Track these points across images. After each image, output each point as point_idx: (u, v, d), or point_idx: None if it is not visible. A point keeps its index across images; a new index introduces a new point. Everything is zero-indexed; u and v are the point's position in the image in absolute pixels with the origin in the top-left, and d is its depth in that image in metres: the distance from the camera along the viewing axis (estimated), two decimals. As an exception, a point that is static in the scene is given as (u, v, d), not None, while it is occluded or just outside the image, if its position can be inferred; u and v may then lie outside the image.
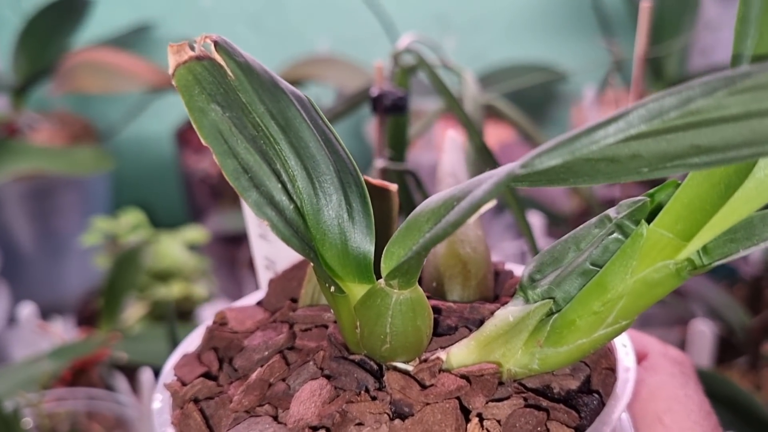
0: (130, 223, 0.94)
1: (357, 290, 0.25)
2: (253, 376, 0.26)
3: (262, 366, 0.26)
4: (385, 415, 0.24)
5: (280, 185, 0.24)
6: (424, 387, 0.24)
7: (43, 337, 0.79)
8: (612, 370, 0.26)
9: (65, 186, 1.08)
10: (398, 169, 0.50)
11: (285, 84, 0.25)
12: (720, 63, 1.15)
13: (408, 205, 0.52)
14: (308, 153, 0.24)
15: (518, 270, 0.32)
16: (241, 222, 0.51)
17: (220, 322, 0.30)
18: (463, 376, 0.24)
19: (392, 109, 0.48)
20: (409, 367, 0.25)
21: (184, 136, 1.15)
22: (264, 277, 0.37)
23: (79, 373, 0.73)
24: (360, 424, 0.24)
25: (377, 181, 0.29)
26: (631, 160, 0.18)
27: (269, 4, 1.23)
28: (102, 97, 1.19)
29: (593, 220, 0.25)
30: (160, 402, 0.28)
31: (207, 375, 0.28)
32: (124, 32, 1.19)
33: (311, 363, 0.26)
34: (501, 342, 0.25)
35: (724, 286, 0.94)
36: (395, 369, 0.25)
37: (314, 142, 0.25)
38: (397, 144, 0.53)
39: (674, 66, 1.16)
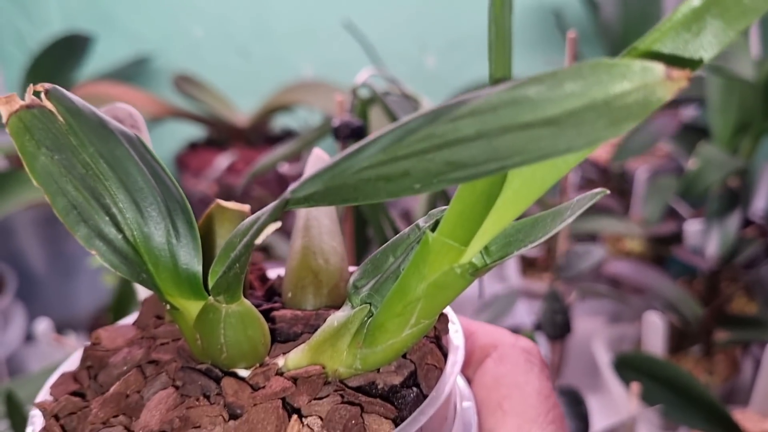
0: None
1: (193, 306, 0.26)
2: (111, 390, 0.27)
3: (118, 381, 0.27)
4: (220, 417, 0.25)
5: (108, 218, 0.25)
6: (255, 390, 0.26)
7: (59, 350, 0.86)
8: (436, 366, 0.27)
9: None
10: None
11: (114, 125, 0.26)
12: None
13: (375, 224, 0.60)
14: (136, 186, 0.26)
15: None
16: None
17: (94, 341, 0.31)
18: (291, 378, 0.26)
19: (351, 137, 0.56)
20: (247, 373, 0.27)
21: (183, 161, 1.19)
22: (144, 296, 0.37)
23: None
24: (197, 426, 0.25)
25: (232, 204, 0.30)
26: (403, 179, 0.19)
27: (256, 33, 1.28)
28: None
29: (408, 228, 0.27)
30: (34, 420, 0.28)
31: (77, 392, 0.29)
32: (123, 65, 1.23)
33: (164, 374, 0.27)
34: (328, 345, 0.26)
35: (683, 282, 1.02)
36: (232, 375, 0.27)
37: (142, 177, 0.26)
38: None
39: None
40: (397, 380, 0.27)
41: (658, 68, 0.16)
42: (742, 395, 0.89)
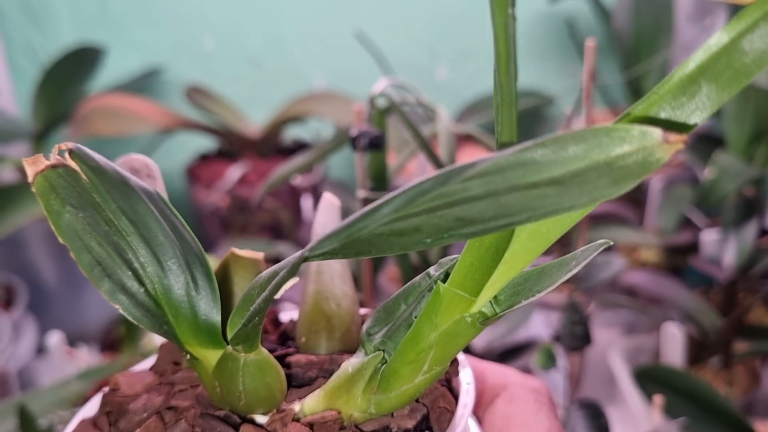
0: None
1: (212, 355, 0.27)
2: None
3: (139, 428, 0.28)
4: None
5: (130, 272, 0.26)
6: None
7: (71, 363, 0.86)
8: (448, 409, 0.28)
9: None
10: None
11: (135, 182, 0.27)
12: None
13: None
14: (157, 241, 0.27)
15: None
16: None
17: (113, 387, 0.31)
18: (308, 424, 0.27)
19: (370, 147, 0.56)
20: (265, 419, 0.28)
21: (194, 173, 1.19)
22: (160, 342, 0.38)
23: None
24: None
25: (246, 252, 0.31)
26: (414, 233, 0.20)
27: (268, 44, 1.29)
28: (116, 139, 1.25)
29: (419, 276, 0.27)
30: None
31: None
32: (135, 77, 1.24)
33: (183, 421, 0.28)
34: (343, 391, 0.27)
35: (699, 292, 1.00)
36: (250, 422, 0.28)
37: (162, 231, 0.27)
38: (378, 176, 0.60)
39: (653, 86, 1.23)
40: (410, 424, 0.28)
41: (656, 132, 0.17)
42: (762, 407, 0.87)
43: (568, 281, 0.69)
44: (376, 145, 0.55)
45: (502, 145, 0.22)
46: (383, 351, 0.27)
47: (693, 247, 1.01)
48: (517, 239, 0.23)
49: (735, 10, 1.03)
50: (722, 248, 0.92)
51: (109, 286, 0.26)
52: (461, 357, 0.31)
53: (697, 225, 1.06)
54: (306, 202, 1.17)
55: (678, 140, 0.17)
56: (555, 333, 0.67)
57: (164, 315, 0.27)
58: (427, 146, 0.55)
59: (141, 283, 0.27)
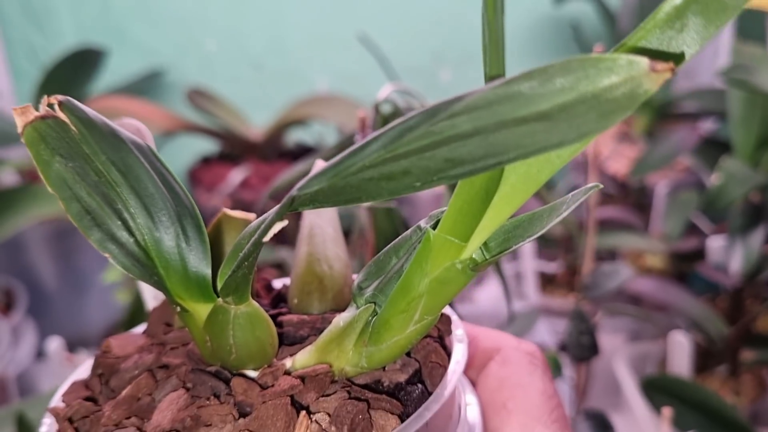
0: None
1: (202, 309, 0.27)
2: (123, 393, 0.28)
3: (129, 384, 0.28)
4: (230, 416, 0.26)
5: (120, 222, 0.26)
6: (264, 388, 0.27)
7: (70, 369, 0.85)
8: (440, 364, 0.28)
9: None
10: (383, 207, 0.56)
11: (125, 134, 0.27)
12: (703, 84, 1.21)
13: (394, 238, 0.58)
14: (147, 193, 0.27)
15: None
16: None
17: (105, 350, 0.31)
18: (299, 377, 0.27)
19: (374, 154, 0.55)
20: (256, 374, 0.28)
21: (196, 176, 1.19)
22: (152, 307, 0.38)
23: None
24: (208, 425, 0.26)
25: (238, 213, 0.31)
26: (404, 177, 0.19)
27: (271, 47, 1.29)
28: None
29: (410, 229, 0.27)
30: (46, 427, 0.29)
31: (89, 398, 0.29)
32: (136, 79, 1.24)
33: (174, 377, 0.28)
34: (334, 345, 0.27)
35: (706, 299, 0.99)
36: (241, 375, 0.27)
37: (152, 183, 0.27)
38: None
39: (660, 88, 1.22)
40: (402, 378, 0.28)
41: (643, 61, 0.16)
42: (770, 417, 0.86)
43: (575, 290, 0.68)
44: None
45: (490, 79, 0.22)
46: (374, 303, 0.27)
47: (699, 254, 1.00)
48: (506, 181, 0.23)
49: (743, 13, 1.02)
50: (729, 255, 0.91)
51: (99, 236, 0.26)
52: (455, 317, 0.31)
53: (703, 231, 1.05)
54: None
55: (665, 68, 0.16)
56: (561, 342, 0.66)
57: (154, 266, 0.27)
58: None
59: (131, 233, 0.27)
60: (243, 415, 0.26)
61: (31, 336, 1.02)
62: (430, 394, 0.27)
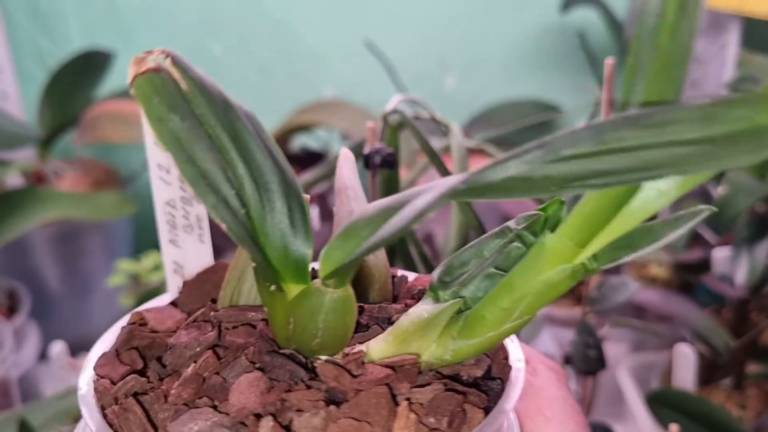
0: (152, 264, 0.99)
1: (293, 290, 0.27)
2: (189, 370, 0.27)
3: (195, 361, 0.27)
4: (321, 402, 0.26)
5: (233, 191, 0.25)
6: (354, 376, 0.27)
7: (73, 373, 0.85)
8: (506, 361, 0.29)
9: (90, 230, 1.12)
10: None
11: (234, 100, 0.26)
12: (709, 94, 1.20)
13: (400, 244, 0.58)
14: (255, 164, 0.26)
15: (411, 276, 0.34)
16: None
17: (139, 322, 0.31)
18: (388, 366, 0.27)
19: (383, 165, 0.54)
20: (338, 359, 0.27)
21: None
22: (172, 281, 0.37)
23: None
24: (300, 410, 0.25)
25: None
26: (543, 180, 0.20)
27: (277, 52, 1.28)
28: (123, 145, 1.24)
29: (493, 231, 0.28)
30: (88, 396, 0.28)
31: (134, 372, 0.29)
32: None
33: (243, 357, 0.28)
34: (416, 336, 0.27)
35: (711, 311, 0.98)
36: (330, 362, 0.27)
37: (260, 155, 0.26)
38: (390, 193, 0.58)
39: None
40: (479, 372, 0.28)
41: None
42: (774, 431, 0.85)
43: (582, 301, 0.67)
44: (389, 162, 0.53)
45: (650, 104, 0.22)
46: (462, 298, 0.27)
47: (703, 265, 0.99)
48: (639, 196, 0.24)
49: (750, 24, 1.02)
50: (734, 266, 0.91)
51: (215, 202, 0.25)
52: None
53: (708, 241, 1.04)
54: (313, 211, 1.16)
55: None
56: (566, 355, 0.65)
57: (258, 240, 0.26)
58: (440, 162, 0.53)
59: (242, 203, 0.26)
60: (333, 401, 0.26)
61: (34, 339, 1.01)
62: (503, 389, 0.28)
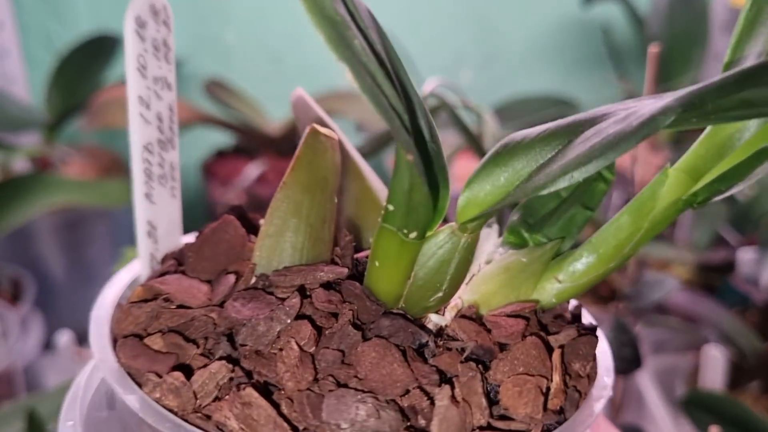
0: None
1: (429, 236, 0.25)
2: (294, 348, 0.24)
3: (289, 337, 0.24)
4: (471, 362, 0.24)
5: (395, 93, 0.23)
6: (488, 331, 0.25)
7: (78, 364, 0.82)
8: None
9: (96, 217, 1.11)
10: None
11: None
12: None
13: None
14: (403, 85, 0.24)
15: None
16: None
17: (165, 297, 0.27)
18: (511, 316, 0.25)
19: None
20: (437, 317, 0.26)
21: (211, 169, 1.18)
22: (145, 244, 0.32)
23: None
24: (456, 376, 0.23)
25: (327, 130, 0.28)
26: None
27: (290, 41, 1.26)
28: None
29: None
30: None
31: (182, 366, 0.24)
32: None
33: (348, 325, 0.24)
34: (519, 281, 0.26)
35: (736, 312, 0.96)
36: (462, 317, 0.25)
37: (406, 76, 0.24)
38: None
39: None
40: (569, 313, 0.28)
41: None
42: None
43: (615, 298, 0.64)
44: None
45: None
46: (561, 238, 0.27)
47: (727, 266, 0.97)
48: (748, 130, 0.24)
49: None
50: (760, 268, 0.88)
51: (398, 124, 0.22)
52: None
53: (731, 243, 1.02)
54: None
55: None
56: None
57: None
58: (478, 146, 0.51)
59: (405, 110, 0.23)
60: (478, 359, 0.24)
61: (39, 328, 0.99)
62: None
